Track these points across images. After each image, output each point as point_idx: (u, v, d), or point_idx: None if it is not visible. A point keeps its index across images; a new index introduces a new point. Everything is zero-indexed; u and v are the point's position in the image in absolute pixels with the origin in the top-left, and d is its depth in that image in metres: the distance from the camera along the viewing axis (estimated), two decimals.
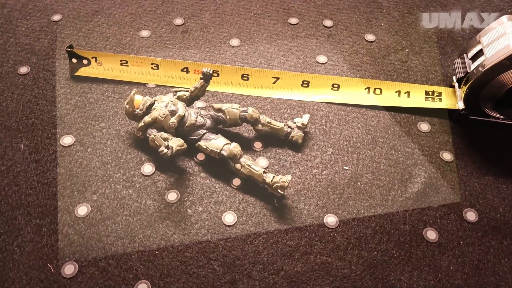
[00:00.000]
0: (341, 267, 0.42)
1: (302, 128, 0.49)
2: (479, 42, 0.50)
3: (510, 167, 0.50)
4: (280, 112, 0.53)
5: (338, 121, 0.52)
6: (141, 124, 0.47)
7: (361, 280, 0.42)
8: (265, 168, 0.47)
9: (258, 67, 0.57)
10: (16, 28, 0.60)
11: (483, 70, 0.47)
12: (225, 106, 0.48)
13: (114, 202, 0.45)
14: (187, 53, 0.58)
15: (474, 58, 0.50)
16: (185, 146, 0.45)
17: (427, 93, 0.54)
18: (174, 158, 0.48)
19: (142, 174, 0.47)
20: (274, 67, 0.57)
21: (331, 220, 0.45)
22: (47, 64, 0.56)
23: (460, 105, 0.52)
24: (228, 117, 0.48)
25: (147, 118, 0.47)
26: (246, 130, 0.51)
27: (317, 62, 0.58)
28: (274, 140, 0.50)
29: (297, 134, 0.49)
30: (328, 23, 0.63)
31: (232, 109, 0.48)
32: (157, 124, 0.47)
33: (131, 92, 0.48)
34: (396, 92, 0.54)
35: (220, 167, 0.48)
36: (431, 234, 0.44)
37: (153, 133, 0.46)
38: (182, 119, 0.47)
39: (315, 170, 0.48)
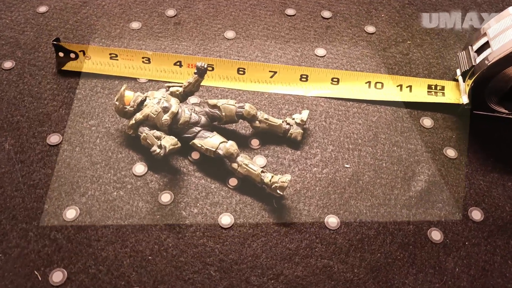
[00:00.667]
0: (343, 271, 0.41)
1: (301, 124, 0.48)
2: (484, 34, 0.49)
3: None
4: (278, 108, 0.51)
5: (338, 117, 0.51)
6: (132, 121, 0.45)
7: (364, 284, 0.40)
8: (263, 167, 0.45)
9: (255, 61, 0.55)
10: (0, 21, 0.58)
11: (489, 64, 0.45)
12: (220, 102, 0.46)
13: (104, 205, 0.43)
14: (180, 46, 0.56)
15: (479, 51, 0.49)
16: (179, 144, 0.43)
17: (429, 87, 0.53)
18: (168, 157, 0.46)
19: (134, 174, 0.45)
20: (271, 60, 0.55)
21: (332, 221, 0.43)
22: (33, 58, 0.54)
23: (464, 100, 0.50)
24: (223, 113, 0.46)
25: (139, 116, 0.45)
26: (242, 127, 0.50)
27: (316, 55, 0.56)
28: (272, 137, 0.49)
29: (296, 131, 0.48)
30: (326, 14, 0.61)
31: (228, 105, 0.46)
32: (149, 121, 0.45)
33: (121, 88, 0.46)
34: (398, 86, 0.53)
35: (215, 166, 0.46)
36: (435, 235, 0.43)
37: (145, 131, 0.45)
38: (175, 116, 0.45)
39: (315, 168, 0.47)
